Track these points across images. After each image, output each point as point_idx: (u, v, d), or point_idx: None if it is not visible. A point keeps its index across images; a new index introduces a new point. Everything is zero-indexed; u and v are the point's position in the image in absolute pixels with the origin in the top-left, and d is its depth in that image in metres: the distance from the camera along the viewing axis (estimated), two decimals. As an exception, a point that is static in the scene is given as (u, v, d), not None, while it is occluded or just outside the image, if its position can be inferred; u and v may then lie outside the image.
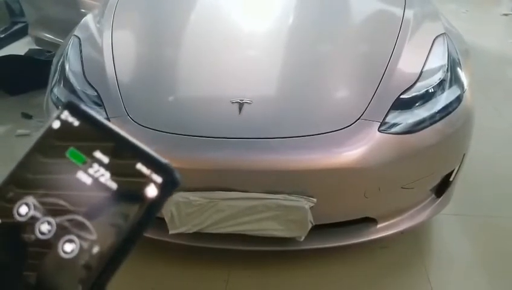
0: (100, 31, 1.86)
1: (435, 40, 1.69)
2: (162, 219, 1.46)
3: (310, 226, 1.46)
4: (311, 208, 1.42)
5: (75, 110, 0.32)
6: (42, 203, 0.30)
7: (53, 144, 0.32)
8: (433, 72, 1.61)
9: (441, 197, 1.67)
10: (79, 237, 0.29)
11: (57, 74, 1.79)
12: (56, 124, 0.32)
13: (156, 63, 1.74)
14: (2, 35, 3.46)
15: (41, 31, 3.05)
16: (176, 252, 1.73)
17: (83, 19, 2.03)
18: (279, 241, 1.55)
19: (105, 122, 0.32)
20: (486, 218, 1.96)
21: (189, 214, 1.44)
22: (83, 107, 0.33)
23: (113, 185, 0.30)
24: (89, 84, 1.64)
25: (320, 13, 1.97)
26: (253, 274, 1.71)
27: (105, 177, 0.30)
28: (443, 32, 1.75)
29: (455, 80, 1.63)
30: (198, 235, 1.51)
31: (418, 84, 1.56)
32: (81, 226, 0.29)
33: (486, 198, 2.06)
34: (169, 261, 1.73)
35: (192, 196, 1.40)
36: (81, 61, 1.74)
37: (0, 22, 3.69)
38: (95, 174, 0.30)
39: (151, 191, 0.29)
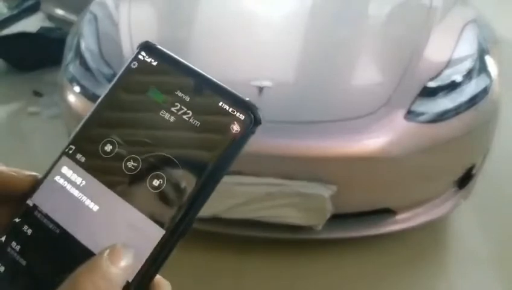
0: (117, 7, 1.81)
1: (464, 27, 1.63)
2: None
3: (328, 215, 1.43)
4: (330, 196, 1.38)
5: (152, 50, 0.32)
6: (126, 141, 0.30)
7: (133, 83, 0.31)
8: (462, 60, 1.55)
9: (463, 190, 1.63)
10: (166, 172, 0.29)
11: (72, 52, 1.75)
12: (134, 64, 0.32)
13: (175, 41, 1.69)
14: (14, 12, 3.42)
15: (53, 7, 3.00)
16: (187, 236, 1.70)
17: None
18: (295, 230, 1.51)
19: (184, 61, 0.32)
20: (507, 212, 1.91)
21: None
22: (160, 47, 0.32)
23: (196, 123, 0.30)
24: (106, 62, 1.60)
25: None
26: (266, 261, 1.68)
27: (187, 115, 0.30)
28: (473, 19, 1.68)
29: (483, 70, 1.57)
30: (212, 220, 1.49)
31: (446, 72, 1.51)
32: (167, 161, 0.29)
33: (508, 192, 2.01)
34: (179, 246, 1.69)
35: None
36: (98, 39, 1.69)
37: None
38: (178, 112, 0.30)
39: (235, 128, 0.29)
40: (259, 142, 1.36)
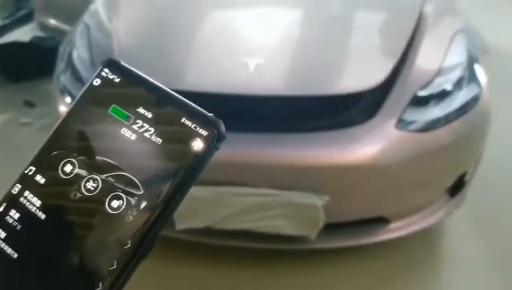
0: (109, 17, 1.81)
1: (454, 35, 1.64)
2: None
3: (321, 224, 1.42)
4: (323, 205, 1.38)
5: (115, 67, 0.32)
6: (87, 161, 0.30)
7: (94, 101, 0.31)
8: (452, 69, 1.56)
9: (455, 198, 1.63)
10: (125, 192, 0.29)
11: (63, 62, 1.75)
12: (97, 82, 0.31)
13: (167, 51, 1.69)
14: (7, 21, 3.41)
15: (47, 17, 3.00)
16: (182, 248, 1.68)
17: (92, 5, 1.97)
18: (289, 240, 1.51)
19: (147, 77, 0.31)
20: (502, 220, 1.91)
21: (198, 208, 1.40)
22: (123, 63, 0.32)
23: (158, 140, 0.29)
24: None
25: (335, 2, 1.92)
26: (262, 273, 1.67)
27: (149, 132, 0.29)
28: (462, 28, 1.70)
29: (473, 78, 1.59)
30: (206, 231, 1.48)
31: (436, 81, 1.52)
32: (127, 181, 0.29)
33: (501, 200, 2.02)
34: (174, 258, 1.67)
35: (202, 191, 1.36)
36: (90, 49, 1.69)
37: (5, 7, 3.63)
38: (140, 130, 0.30)
39: (197, 145, 0.29)
40: (251, 153, 1.37)
